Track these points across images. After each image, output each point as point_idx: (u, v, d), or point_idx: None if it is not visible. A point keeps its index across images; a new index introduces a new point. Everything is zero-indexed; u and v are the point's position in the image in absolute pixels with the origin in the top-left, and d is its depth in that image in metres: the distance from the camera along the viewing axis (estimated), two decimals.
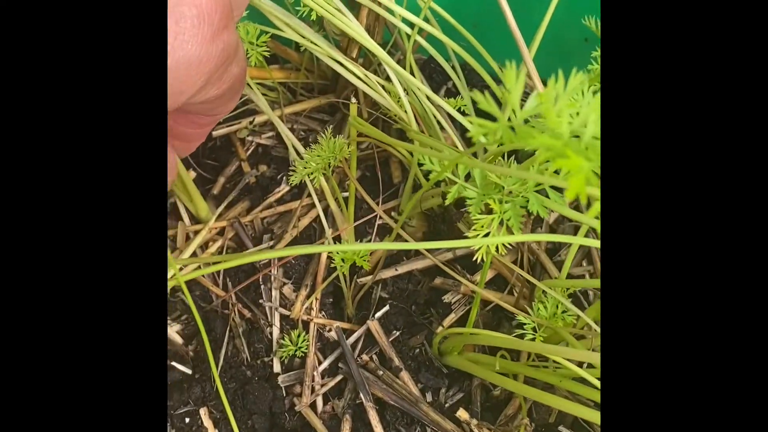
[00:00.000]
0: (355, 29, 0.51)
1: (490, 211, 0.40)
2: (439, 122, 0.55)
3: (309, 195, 0.58)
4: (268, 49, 0.51)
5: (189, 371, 0.57)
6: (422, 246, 0.38)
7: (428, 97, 0.52)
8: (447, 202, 0.39)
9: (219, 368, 0.56)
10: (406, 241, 0.56)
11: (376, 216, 0.59)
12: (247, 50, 0.50)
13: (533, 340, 0.46)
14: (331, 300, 0.58)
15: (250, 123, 0.63)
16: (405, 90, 0.53)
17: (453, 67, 0.59)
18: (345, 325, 0.57)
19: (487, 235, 0.39)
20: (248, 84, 0.55)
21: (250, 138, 0.64)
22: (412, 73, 0.53)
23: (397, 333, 0.56)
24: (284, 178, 0.62)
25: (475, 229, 0.39)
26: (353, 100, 0.44)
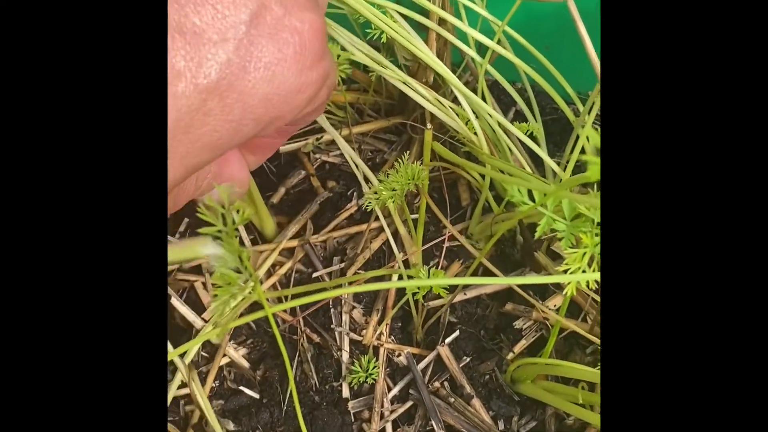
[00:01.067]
0: (426, 53, 0.50)
1: (577, 244, 0.39)
2: (509, 145, 0.54)
3: (377, 218, 0.57)
4: (348, 67, 0.51)
5: (257, 396, 0.57)
6: (512, 281, 0.37)
7: (499, 123, 0.52)
8: (537, 235, 0.39)
9: (287, 393, 0.56)
10: (492, 272, 0.55)
11: (444, 239, 0.58)
12: None
13: None
14: (399, 324, 0.57)
15: (317, 139, 0.63)
16: (475, 114, 0.53)
17: (523, 89, 0.58)
18: (414, 350, 0.56)
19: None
20: None
21: (316, 155, 0.64)
22: (483, 98, 0.52)
23: (467, 359, 0.55)
24: (354, 194, 0.61)
25: (566, 263, 0.38)
26: (429, 125, 0.43)
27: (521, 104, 0.57)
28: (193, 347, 0.52)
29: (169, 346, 0.53)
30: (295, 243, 0.59)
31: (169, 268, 0.60)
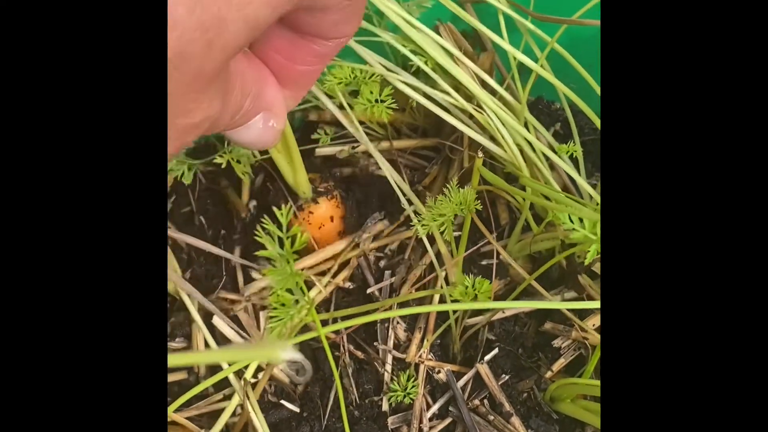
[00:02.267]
0: (467, 80, 0.51)
1: None
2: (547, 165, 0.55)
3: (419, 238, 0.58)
4: (394, 101, 0.52)
5: (297, 410, 0.57)
6: (562, 306, 0.38)
7: (538, 149, 0.52)
8: (586, 262, 0.39)
9: (328, 407, 0.56)
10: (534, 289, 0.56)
11: (479, 253, 0.59)
12: (372, 109, 0.51)
13: None
14: (439, 341, 0.58)
15: (353, 147, 0.64)
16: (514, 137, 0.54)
17: (561, 109, 0.59)
18: (454, 368, 0.57)
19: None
20: (353, 122, 0.55)
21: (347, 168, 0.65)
22: (525, 125, 0.53)
23: (506, 377, 0.56)
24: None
25: None
26: (480, 154, 0.44)
27: (571, 122, 0.58)
28: (251, 364, 0.53)
29: (224, 363, 0.54)
30: (352, 255, 0.60)
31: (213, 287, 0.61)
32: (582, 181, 0.52)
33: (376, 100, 0.50)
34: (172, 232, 0.59)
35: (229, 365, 0.50)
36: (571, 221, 0.39)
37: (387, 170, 0.58)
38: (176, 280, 0.57)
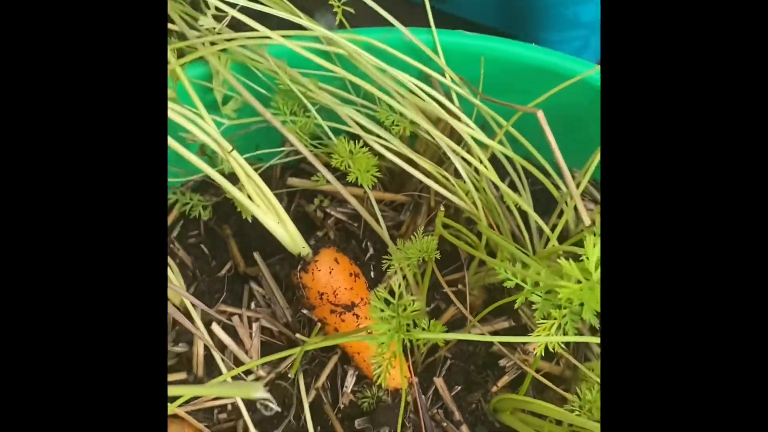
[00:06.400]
0: (437, 135, 0.61)
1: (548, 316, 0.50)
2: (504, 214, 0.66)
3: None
4: (378, 171, 0.62)
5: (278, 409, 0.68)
6: (495, 339, 0.48)
7: (499, 197, 0.63)
8: (516, 306, 0.50)
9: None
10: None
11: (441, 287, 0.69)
12: (358, 179, 0.61)
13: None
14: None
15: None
16: (476, 187, 0.64)
17: (516, 166, 0.69)
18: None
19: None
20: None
21: (330, 212, 0.75)
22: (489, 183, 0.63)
23: (458, 388, 0.67)
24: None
25: (537, 333, 0.49)
26: (442, 208, 0.54)
27: (514, 178, 0.68)
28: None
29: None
30: None
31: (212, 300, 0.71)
32: (538, 219, 0.63)
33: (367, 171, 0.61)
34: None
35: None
36: (506, 271, 0.49)
37: (366, 217, 0.68)
38: (181, 292, 0.67)
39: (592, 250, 0.43)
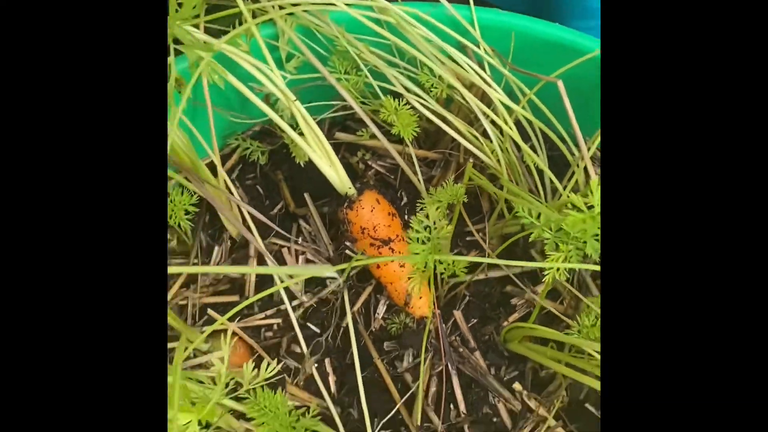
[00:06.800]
0: (469, 97, 0.71)
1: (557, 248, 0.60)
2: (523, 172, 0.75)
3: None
4: (418, 127, 0.72)
5: (318, 330, 0.78)
6: (513, 263, 0.58)
7: (520, 157, 0.73)
8: (531, 239, 0.59)
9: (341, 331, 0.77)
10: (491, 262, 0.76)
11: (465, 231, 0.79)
12: (401, 132, 0.71)
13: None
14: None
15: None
16: (501, 147, 0.74)
17: (536, 131, 0.79)
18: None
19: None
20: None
21: (371, 164, 0.85)
22: (514, 142, 0.73)
23: (474, 321, 0.77)
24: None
25: (549, 260, 0.59)
26: (471, 160, 0.64)
27: (534, 141, 0.78)
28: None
29: (278, 279, 0.73)
30: None
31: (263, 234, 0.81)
32: (553, 177, 0.72)
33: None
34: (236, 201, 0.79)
35: (281, 281, 0.70)
36: (524, 211, 0.59)
37: (405, 168, 0.78)
38: (239, 227, 0.78)
39: (596, 188, 0.52)
